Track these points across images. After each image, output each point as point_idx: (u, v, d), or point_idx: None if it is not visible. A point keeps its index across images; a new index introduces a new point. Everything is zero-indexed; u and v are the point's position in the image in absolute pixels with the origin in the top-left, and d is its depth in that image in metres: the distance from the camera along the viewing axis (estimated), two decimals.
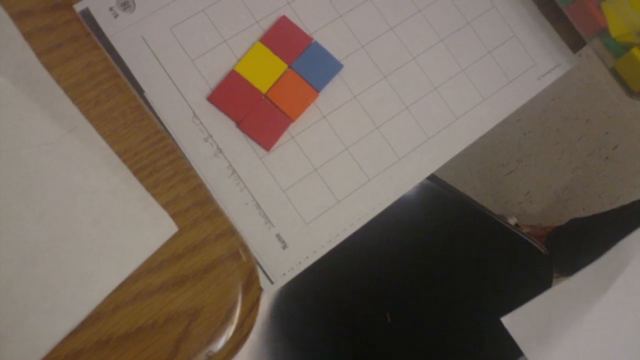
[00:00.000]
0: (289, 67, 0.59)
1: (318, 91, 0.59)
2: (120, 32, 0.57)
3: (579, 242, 1.24)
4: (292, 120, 0.58)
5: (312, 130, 0.59)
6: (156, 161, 0.51)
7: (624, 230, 1.15)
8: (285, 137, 0.58)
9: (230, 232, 0.51)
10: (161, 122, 0.56)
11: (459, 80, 0.62)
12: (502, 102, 0.63)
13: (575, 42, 0.66)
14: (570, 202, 1.50)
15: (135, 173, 0.50)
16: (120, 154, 0.51)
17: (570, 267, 1.30)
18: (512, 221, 1.28)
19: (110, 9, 0.58)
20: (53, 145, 0.49)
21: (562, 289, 0.64)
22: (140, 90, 0.56)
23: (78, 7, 0.57)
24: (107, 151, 0.50)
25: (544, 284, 0.93)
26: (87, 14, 0.57)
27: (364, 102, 0.60)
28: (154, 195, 0.50)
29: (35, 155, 0.48)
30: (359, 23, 0.61)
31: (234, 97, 0.58)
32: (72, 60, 0.51)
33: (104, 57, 0.53)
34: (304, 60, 0.59)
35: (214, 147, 0.57)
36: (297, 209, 0.57)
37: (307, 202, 0.58)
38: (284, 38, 0.59)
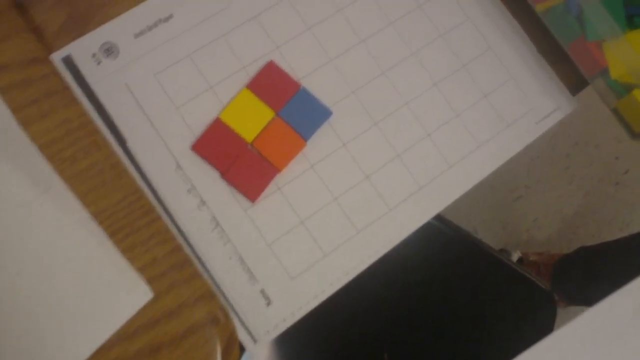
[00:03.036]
0: (276, 114, 0.57)
1: (306, 140, 0.57)
2: (103, 79, 0.56)
3: (587, 272, 1.21)
4: (278, 171, 0.57)
5: (299, 181, 0.57)
6: (133, 222, 0.50)
7: (634, 260, 1.13)
8: (271, 188, 0.57)
9: (209, 295, 0.49)
10: (143, 174, 0.54)
11: (453, 126, 0.60)
12: (498, 148, 0.60)
13: (575, 83, 0.63)
14: (580, 229, 1.47)
15: (112, 235, 0.49)
16: (96, 215, 0.49)
17: (579, 298, 1.27)
18: (516, 255, 1.26)
19: (93, 55, 0.56)
20: (28, 207, 0.47)
21: (569, 332, 0.59)
22: (122, 140, 0.55)
23: (60, 54, 0.55)
24: (83, 213, 0.49)
25: (547, 322, 0.90)
26: (69, 61, 0.55)
27: (354, 151, 0.58)
28: (130, 258, 0.48)
29: (10, 217, 0.47)
30: (350, 67, 0.60)
31: (218, 147, 0.56)
32: (48, 116, 0.50)
33: (81, 112, 0.51)
34: (292, 107, 0.58)
35: (197, 199, 0.55)
36: (283, 263, 0.56)
37: (292, 256, 0.56)
38: (271, 84, 0.58)
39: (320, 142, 0.58)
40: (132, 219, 0.50)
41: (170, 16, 0.58)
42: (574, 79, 0.63)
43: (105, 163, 0.51)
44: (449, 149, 0.60)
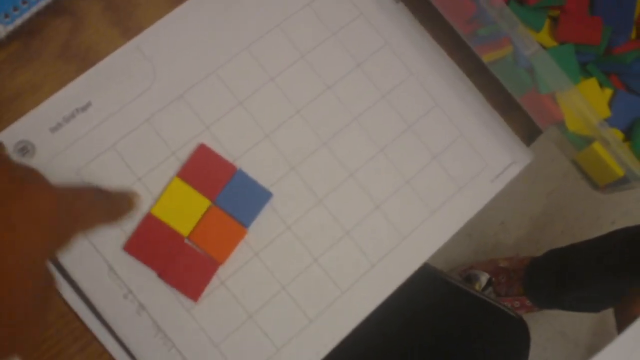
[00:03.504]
0: (212, 203, 0.53)
1: (247, 227, 0.53)
2: None
3: (557, 276, 1.20)
4: (219, 264, 0.53)
5: (243, 272, 0.53)
6: (65, 350, 0.46)
7: (603, 262, 1.11)
8: (213, 283, 0.53)
9: None
10: (74, 282, 0.50)
11: (403, 194, 0.57)
12: (453, 213, 0.57)
13: (528, 133, 0.60)
14: (548, 227, 1.45)
15: None
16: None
17: (551, 301, 1.26)
18: (485, 278, 1.24)
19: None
20: None
21: None
22: None
23: None
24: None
25: (522, 349, 0.88)
26: None
27: (299, 233, 0.55)
28: None
29: None
30: (288, 141, 0.56)
31: (152, 245, 0.52)
32: None
33: None
34: (229, 193, 0.53)
35: (135, 304, 0.51)
36: None
37: (243, 354, 0.52)
38: (204, 170, 0.53)
39: (263, 227, 0.54)
40: (63, 346, 0.46)
41: (88, 104, 0.53)
42: (526, 130, 0.60)
43: None
44: (400, 220, 0.56)
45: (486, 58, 0.58)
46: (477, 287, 1.25)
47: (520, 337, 0.87)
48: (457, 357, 0.86)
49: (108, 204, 0.40)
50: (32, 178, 0.33)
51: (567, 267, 1.17)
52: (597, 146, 0.55)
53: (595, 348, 1.36)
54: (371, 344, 0.80)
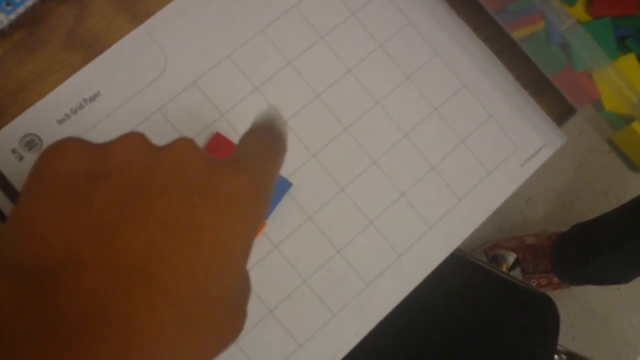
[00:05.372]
0: None
1: (265, 218, 0.51)
2: None
3: (582, 249, 1.17)
4: None
5: (262, 265, 0.51)
6: None
7: (626, 229, 1.08)
8: None
9: None
10: None
11: (430, 180, 0.54)
12: (481, 200, 0.54)
13: (560, 113, 0.57)
14: (575, 203, 1.41)
15: None
16: None
17: (578, 276, 1.23)
18: (512, 258, 1.21)
19: (13, 150, 0.49)
20: None
21: None
22: None
23: None
24: None
25: (552, 326, 0.86)
26: None
27: (321, 223, 0.52)
28: None
29: None
30: (308, 127, 0.53)
31: None
32: None
33: None
34: None
35: None
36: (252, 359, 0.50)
37: (264, 350, 0.50)
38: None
39: (282, 218, 0.52)
40: None
41: (97, 94, 0.51)
42: (559, 110, 0.56)
43: None
44: (427, 209, 0.53)
45: (516, 35, 0.54)
46: (504, 267, 1.22)
47: (549, 316, 0.84)
48: (486, 339, 0.84)
49: (279, 145, 0.35)
50: (218, 161, 0.30)
51: (591, 236, 1.14)
52: (636, 125, 0.52)
53: (624, 324, 1.34)
54: (395, 328, 0.78)
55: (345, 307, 0.52)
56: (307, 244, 0.52)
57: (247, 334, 0.50)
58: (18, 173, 0.49)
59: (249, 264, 0.49)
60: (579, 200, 1.42)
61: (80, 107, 0.50)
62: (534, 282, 1.25)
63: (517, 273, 1.27)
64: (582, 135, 1.35)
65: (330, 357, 0.51)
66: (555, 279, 1.27)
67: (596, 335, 1.32)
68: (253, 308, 0.51)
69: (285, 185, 0.52)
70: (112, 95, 0.51)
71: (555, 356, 0.87)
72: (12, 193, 0.48)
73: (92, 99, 0.51)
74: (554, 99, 0.56)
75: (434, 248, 0.53)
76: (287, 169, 0.52)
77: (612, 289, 1.37)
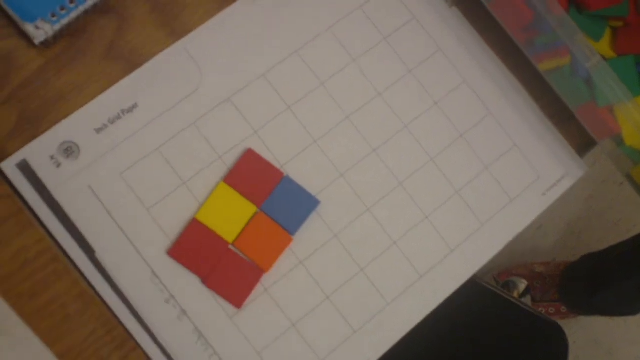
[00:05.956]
0: (259, 209, 0.52)
1: (292, 234, 0.52)
2: (65, 183, 0.50)
3: (593, 280, 1.17)
4: (264, 272, 0.52)
5: (287, 280, 0.52)
6: (106, 359, 0.45)
7: (638, 263, 1.09)
8: (257, 290, 0.52)
9: None
10: (116, 286, 0.49)
11: (453, 204, 0.55)
12: (503, 226, 0.56)
13: (582, 144, 0.58)
14: (585, 233, 1.42)
15: None
16: (62, 355, 0.44)
17: (587, 307, 1.24)
18: (523, 285, 1.21)
19: (52, 157, 0.51)
20: None
21: None
22: (90, 251, 0.50)
23: (14, 160, 0.50)
24: (46, 354, 0.44)
25: (560, 355, 0.86)
26: (24, 167, 0.50)
27: (346, 241, 0.53)
28: None
29: None
30: (337, 147, 0.54)
31: (197, 250, 0.51)
32: (0, 248, 0.45)
33: (38, 237, 0.46)
34: (275, 199, 0.52)
35: (177, 309, 0.50)
36: None
37: None
38: (251, 175, 0.52)
39: (309, 235, 0.53)
40: (104, 354, 0.46)
41: (135, 106, 0.52)
42: (580, 141, 0.58)
43: (68, 295, 0.46)
44: (449, 231, 0.55)
45: (542, 67, 0.56)
46: (515, 294, 1.23)
47: (558, 345, 0.85)
48: None
49: None
50: None
51: (601, 267, 1.15)
52: None
53: (630, 357, 1.34)
54: (407, 348, 0.79)
55: (367, 324, 0.53)
56: (331, 261, 0.53)
57: (269, 346, 0.51)
58: (55, 179, 0.50)
59: (275, 277, 0.51)
60: (589, 230, 1.43)
61: (118, 117, 0.52)
62: (542, 310, 1.25)
63: (527, 300, 1.27)
64: (595, 165, 1.36)
65: None
66: (563, 308, 1.28)
67: None
68: (276, 321, 0.52)
69: (314, 203, 0.53)
70: (149, 107, 0.52)
71: None
72: (49, 198, 0.50)
73: (130, 110, 0.52)
74: (576, 131, 0.58)
75: (455, 271, 0.54)
76: (315, 187, 0.53)
77: (619, 321, 1.37)
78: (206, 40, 0.54)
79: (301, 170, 0.53)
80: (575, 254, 1.28)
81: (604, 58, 0.53)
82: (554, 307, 1.28)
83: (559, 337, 0.85)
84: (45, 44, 0.51)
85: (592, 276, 1.18)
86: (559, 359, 0.86)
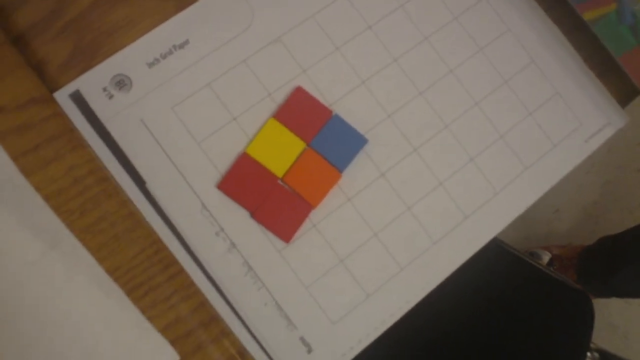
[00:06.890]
0: (308, 145, 0.53)
1: (341, 171, 0.53)
2: (117, 115, 0.51)
3: (610, 262, 1.18)
4: (312, 207, 0.52)
5: (335, 216, 0.53)
6: (153, 278, 0.45)
7: None
8: (305, 225, 0.52)
9: (241, 355, 0.45)
10: (166, 217, 0.49)
11: (498, 148, 0.56)
12: (546, 170, 0.56)
13: (623, 95, 0.59)
14: (602, 218, 1.43)
15: (129, 293, 0.44)
16: (111, 272, 0.45)
17: (605, 289, 1.24)
18: (547, 257, 1.22)
19: (104, 89, 0.51)
20: (34, 265, 0.43)
21: None
22: (141, 182, 0.50)
23: (67, 90, 0.50)
24: (96, 269, 0.44)
25: (587, 321, 0.87)
26: (77, 97, 0.50)
27: (393, 181, 0.54)
28: (151, 318, 0.44)
29: (14, 279, 0.42)
30: (385, 89, 0.55)
31: (246, 184, 0.51)
32: (52, 163, 0.45)
33: (89, 157, 0.46)
34: (324, 136, 0.53)
35: (227, 242, 0.51)
36: (322, 307, 0.51)
37: (333, 298, 0.52)
38: (300, 112, 0.53)
39: (357, 172, 0.53)
40: (152, 273, 0.46)
41: (186, 42, 0.53)
42: (622, 92, 0.58)
43: (118, 214, 0.46)
44: (494, 174, 0.55)
45: (587, 16, 0.56)
46: None
47: (585, 312, 0.85)
48: (520, 328, 0.85)
49: None
50: None
51: (620, 252, 1.15)
52: None
53: None
54: (428, 310, 0.79)
55: (413, 262, 0.53)
56: (379, 199, 0.53)
57: (317, 281, 0.51)
58: (107, 111, 0.51)
59: (323, 213, 0.51)
60: (606, 215, 1.43)
61: (170, 52, 0.52)
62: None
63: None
64: (611, 152, 1.37)
65: (397, 309, 0.52)
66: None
67: (616, 350, 1.32)
68: (324, 256, 0.52)
69: (362, 141, 0.53)
70: (200, 44, 0.53)
71: (588, 353, 0.87)
72: (101, 129, 0.50)
73: (182, 46, 0.53)
74: (618, 82, 0.58)
75: (500, 212, 0.55)
76: (363, 126, 0.54)
77: (635, 304, 1.37)
78: None
79: (349, 110, 0.54)
80: (591, 238, 1.29)
81: None
82: None
83: (585, 304, 0.86)
84: None
85: (610, 258, 1.18)
86: (585, 325, 0.86)
